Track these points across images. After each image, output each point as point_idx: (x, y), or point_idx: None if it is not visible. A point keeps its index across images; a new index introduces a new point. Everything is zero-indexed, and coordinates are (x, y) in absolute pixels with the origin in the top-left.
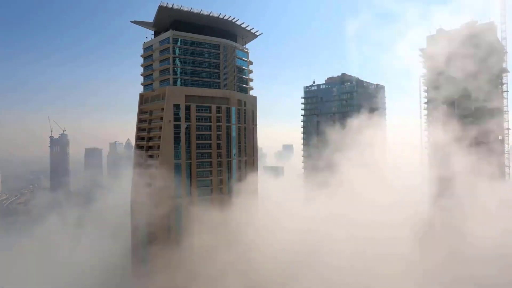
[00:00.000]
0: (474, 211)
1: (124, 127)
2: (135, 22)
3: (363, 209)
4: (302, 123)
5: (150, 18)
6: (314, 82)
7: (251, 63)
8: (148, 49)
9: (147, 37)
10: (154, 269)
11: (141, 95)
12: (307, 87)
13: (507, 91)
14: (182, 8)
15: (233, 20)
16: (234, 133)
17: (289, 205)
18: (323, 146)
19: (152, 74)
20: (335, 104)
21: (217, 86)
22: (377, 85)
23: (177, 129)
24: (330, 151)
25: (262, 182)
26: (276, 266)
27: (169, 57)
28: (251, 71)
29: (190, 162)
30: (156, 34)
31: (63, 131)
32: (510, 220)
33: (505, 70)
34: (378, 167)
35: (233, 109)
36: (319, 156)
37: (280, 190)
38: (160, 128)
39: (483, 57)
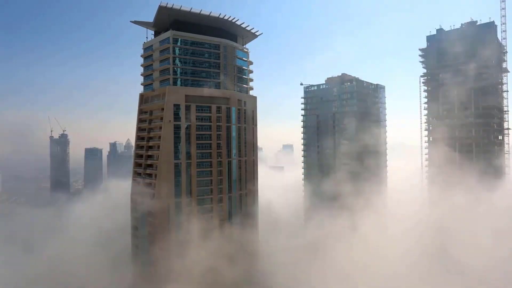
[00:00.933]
0: None
1: (124, 127)
2: (135, 22)
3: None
4: (302, 123)
5: (150, 18)
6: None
7: (251, 63)
8: (148, 49)
9: (147, 37)
10: (153, 269)
11: (141, 95)
12: (307, 87)
13: (507, 91)
14: (182, 8)
15: (233, 20)
16: (234, 133)
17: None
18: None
19: (152, 74)
20: (335, 104)
21: (217, 86)
22: (377, 85)
23: (177, 129)
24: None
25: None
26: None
27: (169, 57)
28: (251, 71)
29: (190, 162)
30: (156, 34)
31: (63, 131)
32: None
33: (505, 70)
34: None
35: (233, 109)
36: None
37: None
38: (160, 128)
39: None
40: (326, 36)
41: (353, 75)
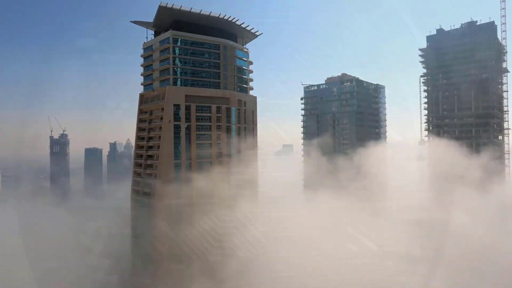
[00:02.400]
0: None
1: (124, 127)
2: (135, 22)
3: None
4: (302, 123)
5: (150, 18)
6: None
7: (251, 63)
8: (148, 49)
9: (147, 37)
10: (154, 268)
11: (141, 95)
12: (307, 87)
13: (507, 91)
14: (182, 8)
15: (233, 20)
16: (234, 133)
17: None
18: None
19: (152, 74)
20: (335, 104)
21: (217, 86)
22: (377, 85)
23: (177, 129)
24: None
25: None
26: None
27: (169, 57)
28: (251, 71)
29: (190, 162)
30: (156, 34)
31: (63, 131)
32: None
33: (505, 70)
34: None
35: (233, 109)
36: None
37: None
38: (160, 128)
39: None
40: (326, 36)
41: (353, 75)
